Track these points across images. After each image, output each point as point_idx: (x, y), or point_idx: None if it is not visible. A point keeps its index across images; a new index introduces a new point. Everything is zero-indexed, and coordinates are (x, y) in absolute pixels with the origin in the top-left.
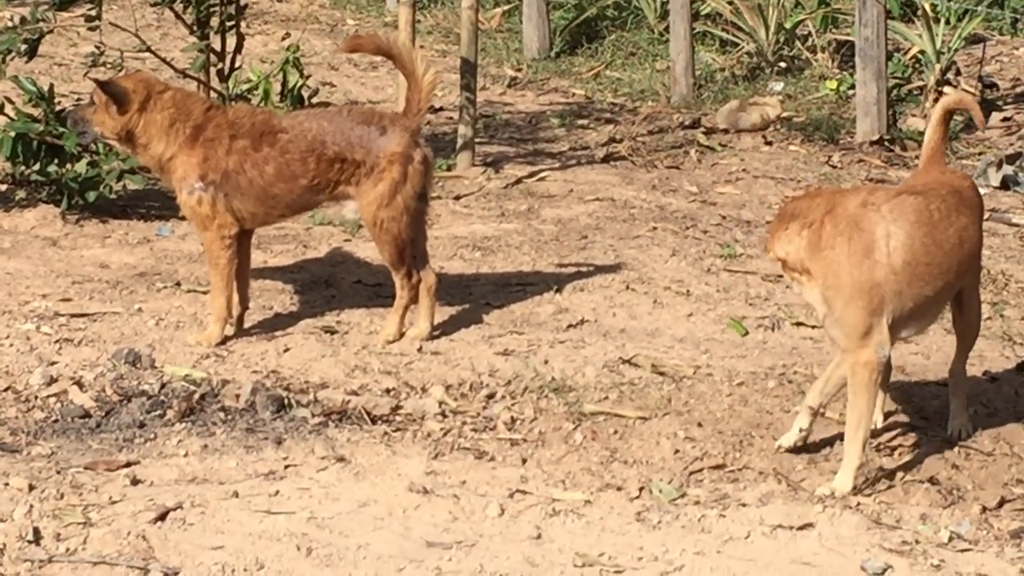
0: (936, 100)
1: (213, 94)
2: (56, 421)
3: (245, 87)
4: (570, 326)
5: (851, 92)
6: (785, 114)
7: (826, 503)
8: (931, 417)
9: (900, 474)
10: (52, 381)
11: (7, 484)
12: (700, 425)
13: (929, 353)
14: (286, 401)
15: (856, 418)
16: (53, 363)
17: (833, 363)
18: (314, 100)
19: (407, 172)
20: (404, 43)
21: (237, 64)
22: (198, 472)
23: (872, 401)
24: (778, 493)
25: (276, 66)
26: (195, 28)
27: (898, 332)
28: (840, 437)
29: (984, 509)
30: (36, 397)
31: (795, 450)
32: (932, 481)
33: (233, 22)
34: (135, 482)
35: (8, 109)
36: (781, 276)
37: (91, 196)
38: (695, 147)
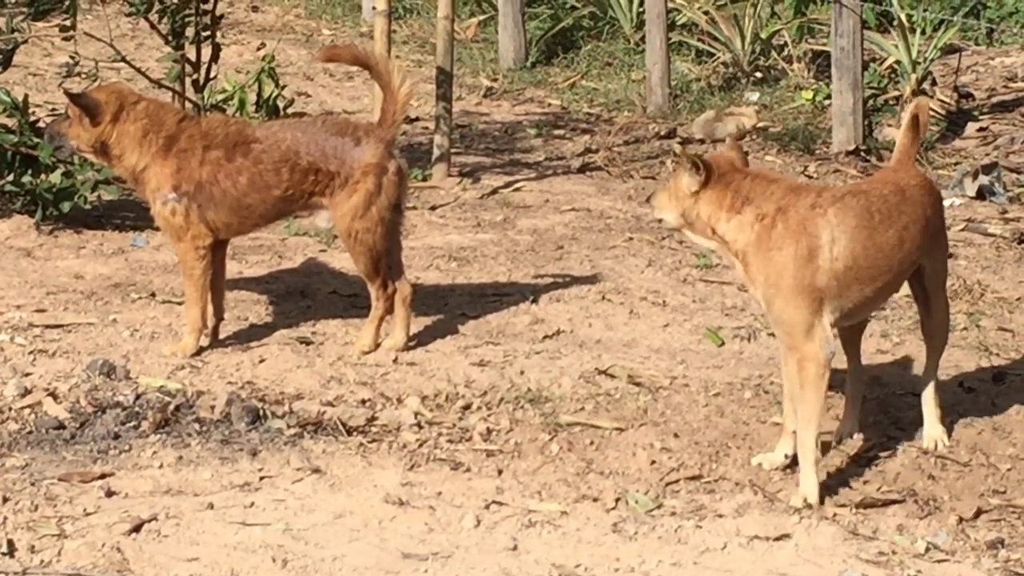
0: None
1: (188, 104)
2: (30, 432)
3: (220, 97)
4: (546, 337)
5: (827, 102)
6: (761, 124)
7: (802, 515)
8: (907, 427)
9: (877, 485)
10: (26, 392)
11: None
12: (676, 436)
13: (906, 363)
14: (261, 412)
15: (807, 415)
16: (27, 374)
17: (785, 376)
18: (289, 110)
19: (381, 183)
20: (380, 53)
21: (212, 74)
22: (173, 483)
23: (822, 397)
24: (754, 504)
25: (251, 76)
26: (170, 38)
27: (834, 327)
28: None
29: (961, 520)
30: (10, 408)
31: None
32: (909, 492)
33: (208, 32)
34: (110, 494)
35: None
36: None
37: (65, 207)
38: (671, 157)
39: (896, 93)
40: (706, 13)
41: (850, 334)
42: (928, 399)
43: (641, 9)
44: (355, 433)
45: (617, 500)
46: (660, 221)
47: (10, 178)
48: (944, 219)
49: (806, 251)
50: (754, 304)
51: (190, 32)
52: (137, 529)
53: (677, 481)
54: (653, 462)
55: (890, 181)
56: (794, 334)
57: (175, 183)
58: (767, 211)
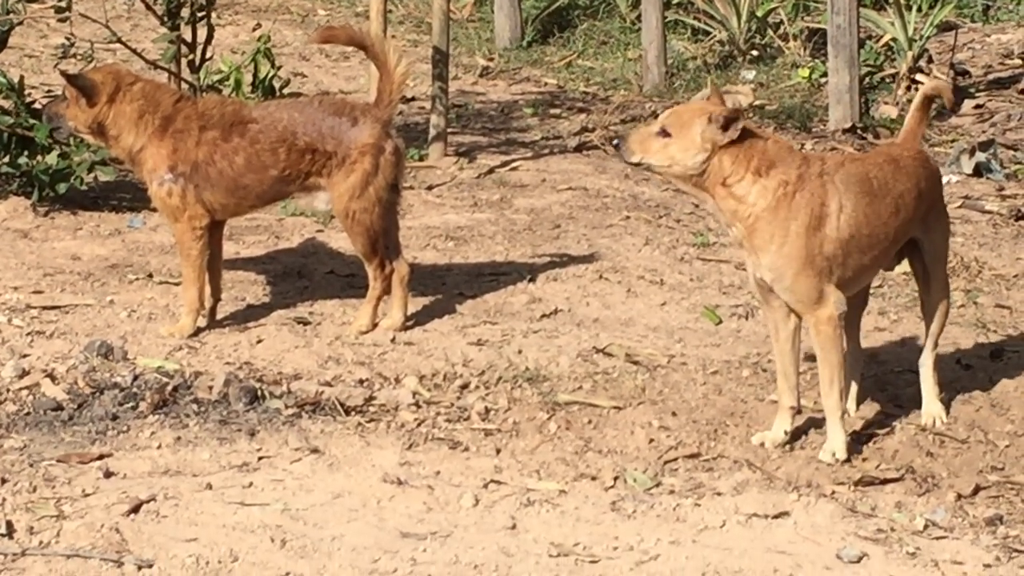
0: (908, 87)
1: (184, 85)
2: (28, 414)
3: (216, 78)
4: (544, 316)
5: (823, 80)
6: (757, 102)
7: (801, 492)
8: (905, 405)
9: (875, 462)
10: (24, 374)
11: None
12: (674, 414)
13: (903, 341)
14: (259, 392)
15: (829, 375)
16: (25, 355)
17: (776, 353)
18: (285, 90)
19: (378, 163)
20: (377, 34)
21: (208, 55)
22: (171, 464)
23: (841, 356)
24: (753, 482)
25: (247, 56)
26: (166, 19)
27: None
28: (814, 424)
29: (959, 496)
30: (8, 390)
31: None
32: (907, 469)
33: (204, 12)
34: (108, 475)
35: None
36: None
37: (62, 188)
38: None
39: (892, 71)
40: None
41: (851, 313)
42: (927, 377)
43: None
44: (353, 413)
45: (615, 478)
46: (636, 164)
47: (6, 159)
48: (942, 195)
49: (817, 219)
50: (750, 277)
51: (185, 12)
52: (136, 510)
53: (675, 459)
54: (651, 440)
55: (884, 152)
56: (807, 301)
57: (171, 164)
58: (790, 178)
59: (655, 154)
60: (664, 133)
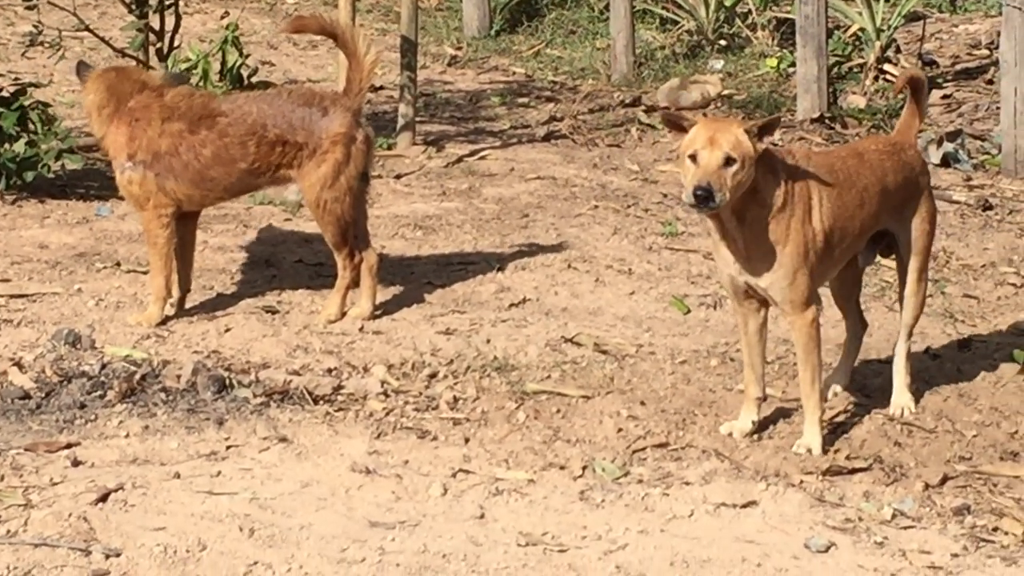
0: (876, 77)
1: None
2: None
3: (184, 66)
4: (512, 305)
5: (791, 70)
6: (726, 92)
7: (769, 482)
8: (873, 394)
9: (843, 452)
10: None
11: None
12: (643, 403)
13: (871, 331)
14: (227, 381)
15: (810, 375)
16: None
17: (744, 344)
18: (253, 79)
19: (350, 153)
20: (346, 22)
21: (176, 43)
22: (139, 453)
23: (820, 354)
24: (721, 471)
25: (215, 45)
26: (133, 7)
27: None
28: (782, 414)
29: (927, 486)
30: None
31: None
32: (875, 459)
33: (171, 0)
34: (76, 463)
35: None
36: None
37: (29, 176)
38: (636, 125)
39: (860, 61)
40: None
41: (848, 290)
42: (899, 367)
43: None
44: (321, 402)
45: (584, 468)
46: (711, 206)
47: None
48: (923, 190)
49: (808, 214)
50: (724, 277)
51: (153, 1)
52: (104, 499)
53: (644, 449)
54: (620, 430)
55: (851, 146)
56: (798, 301)
57: (130, 152)
58: (788, 176)
59: (734, 183)
60: (730, 160)
